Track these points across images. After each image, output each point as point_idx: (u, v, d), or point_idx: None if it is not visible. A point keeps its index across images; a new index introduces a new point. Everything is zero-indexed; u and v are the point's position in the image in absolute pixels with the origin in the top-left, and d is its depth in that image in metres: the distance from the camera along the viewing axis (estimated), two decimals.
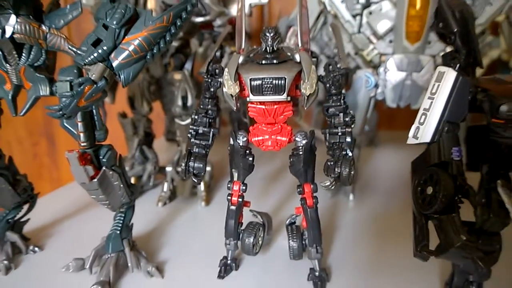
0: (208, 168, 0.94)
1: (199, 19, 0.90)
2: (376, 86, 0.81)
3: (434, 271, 0.61)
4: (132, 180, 0.95)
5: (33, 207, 0.71)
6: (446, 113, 0.44)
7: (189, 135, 0.60)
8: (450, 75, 0.44)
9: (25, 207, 0.70)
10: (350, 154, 0.53)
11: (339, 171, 0.51)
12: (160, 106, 1.00)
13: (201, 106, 0.59)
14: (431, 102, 0.45)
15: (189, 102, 0.92)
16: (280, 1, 1.35)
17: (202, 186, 0.91)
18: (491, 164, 0.47)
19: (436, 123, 0.45)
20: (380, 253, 0.67)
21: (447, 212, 0.43)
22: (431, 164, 0.45)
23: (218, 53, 0.63)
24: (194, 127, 0.59)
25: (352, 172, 0.51)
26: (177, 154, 0.95)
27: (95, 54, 0.50)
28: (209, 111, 0.59)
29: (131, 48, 0.51)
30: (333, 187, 0.52)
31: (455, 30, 0.43)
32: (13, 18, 0.54)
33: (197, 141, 0.59)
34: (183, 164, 0.57)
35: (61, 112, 0.50)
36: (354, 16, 0.83)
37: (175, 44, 0.92)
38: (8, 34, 0.54)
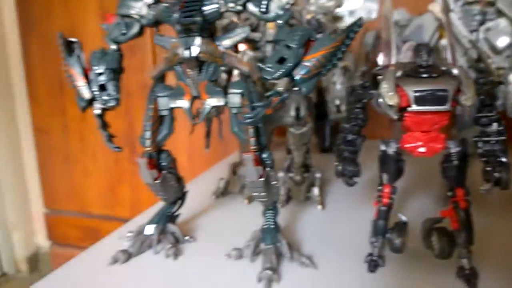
0: (318, 175, 1.00)
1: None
2: None
3: None
4: None
5: (184, 203, 0.81)
6: None
7: (339, 141, 0.67)
8: None
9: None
10: (505, 160, 0.58)
11: (498, 176, 0.56)
12: None
13: (352, 116, 0.66)
14: None
15: (302, 113, 0.99)
16: None
17: (316, 191, 0.98)
18: None
19: None
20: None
21: None
22: None
23: (364, 68, 0.70)
24: (344, 134, 0.66)
25: (510, 177, 0.56)
26: (287, 160, 1.02)
27: (283, 70, 0.58)
28: (359, 120, 0.66)
29: (312, 64, 0.59)
30: (491, 191, 0.57)
31: None
32: (198, 39, 0.63)
33: (346, 147, 0.66)
34: (339, 167, 0.65)
35: (253, 119, 0.58)
36: (471, 32, 0.87)
37: None
38: (194, 53, 0.63)
